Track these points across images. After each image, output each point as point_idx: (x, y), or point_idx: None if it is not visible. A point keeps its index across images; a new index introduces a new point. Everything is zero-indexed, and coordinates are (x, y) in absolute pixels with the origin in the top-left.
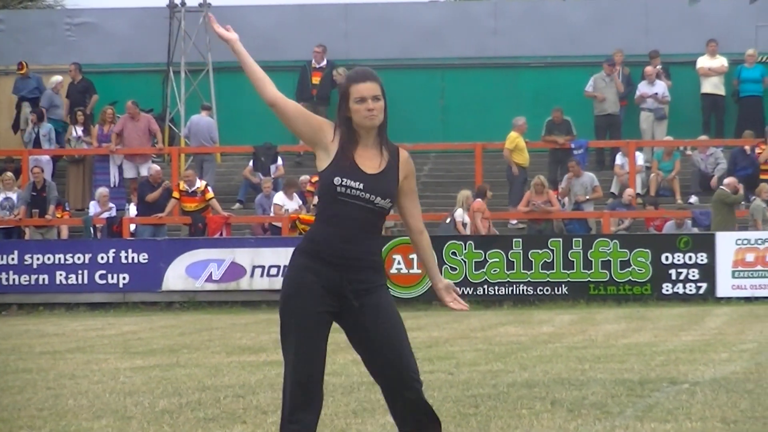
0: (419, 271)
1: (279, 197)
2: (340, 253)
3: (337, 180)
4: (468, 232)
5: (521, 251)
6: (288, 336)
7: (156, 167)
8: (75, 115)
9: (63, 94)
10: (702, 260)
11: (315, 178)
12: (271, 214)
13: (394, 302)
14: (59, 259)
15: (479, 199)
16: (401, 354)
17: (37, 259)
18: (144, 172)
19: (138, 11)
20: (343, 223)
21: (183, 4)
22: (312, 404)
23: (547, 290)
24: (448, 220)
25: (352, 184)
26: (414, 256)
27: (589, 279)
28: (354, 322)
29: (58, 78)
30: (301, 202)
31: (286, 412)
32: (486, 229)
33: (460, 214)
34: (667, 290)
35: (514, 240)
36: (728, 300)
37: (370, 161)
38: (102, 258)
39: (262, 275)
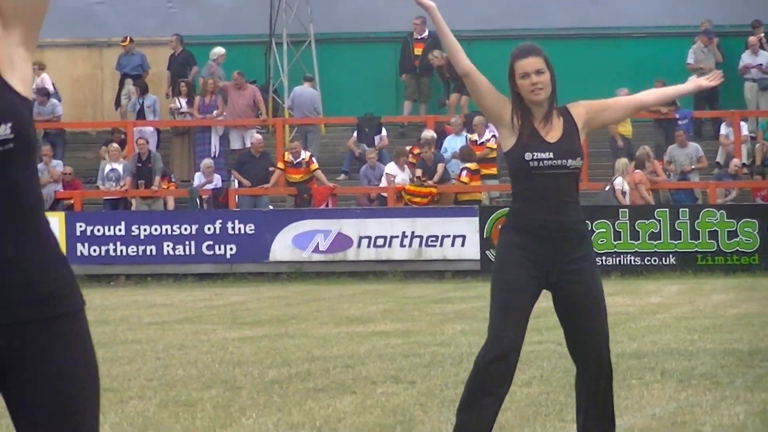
0: None
1: (391, 167)
2: (547, 225)
3: (528, 155)
4: (627, 201)
5: (628, 222)
6: (496, 307)
7: (258, 136)
8: (178, 86)
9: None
10: None
11: (416, 150)
12: (381, 185)
13: (598, 274)
14: (166, 230)
15: (639, 171)
16: (595, 337)
17: (144, 230)
18: (249, 143)
19: None
20: (543, 196)
21: None
22: (506, 381)
23: (654, 260)
24: (607, 188)
25: (542, 155)
26: None
27: (696, 249)
28: (560, 296)
29: (220, 50)
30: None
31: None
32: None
33: (619, 182)
34: None
35: (621, 210)
36: None
37: (550, 131)
38: (209, 229)
39: (368, 246)
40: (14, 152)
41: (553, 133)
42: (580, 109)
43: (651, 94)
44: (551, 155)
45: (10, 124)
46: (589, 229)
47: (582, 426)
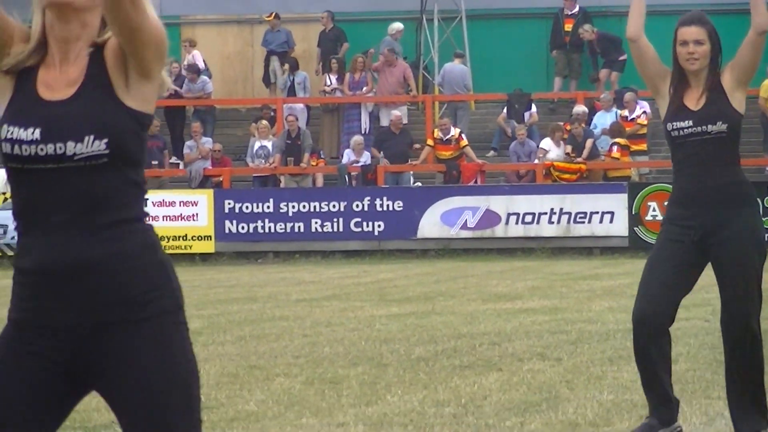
0: None
1: (546, 142)
2: (692, 193)
3: (669, 126)
4: None
5: None
6: (641, 281)
7: (397, 113)
8: (328, 63)
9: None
10: None
11: (568, 126)
12: (535, 161)
13: (752, 239)
14: (314, 207)
15: None
16: (739, 303)
17: (293, 207)
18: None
19: None
20: (690, 164)
21: None
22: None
23: None
24: None
25: (682, 124)
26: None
27: None
28: (712, 262)
29: (399, 25)
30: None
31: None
32: None
33: None
34: None
35: None
36: None
37: (697, 99)
38: (357, 206)
39: (517, 222)
40: (108, 166)
41: (699, 101)
42: (725, 74)
43: (754, 14)
44: (691, 123)
45: (105, 140)
46: None
47: (731, 406)
